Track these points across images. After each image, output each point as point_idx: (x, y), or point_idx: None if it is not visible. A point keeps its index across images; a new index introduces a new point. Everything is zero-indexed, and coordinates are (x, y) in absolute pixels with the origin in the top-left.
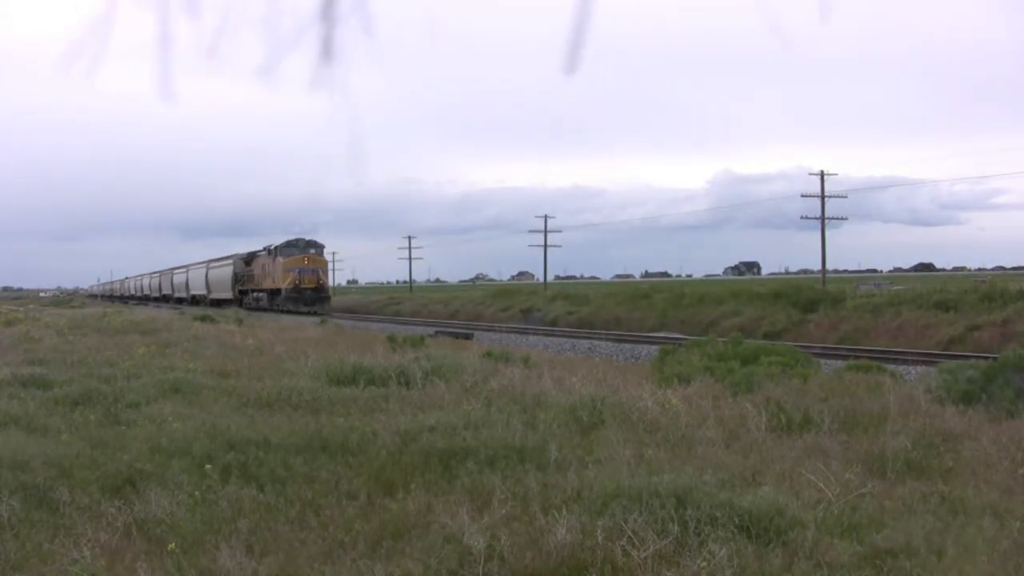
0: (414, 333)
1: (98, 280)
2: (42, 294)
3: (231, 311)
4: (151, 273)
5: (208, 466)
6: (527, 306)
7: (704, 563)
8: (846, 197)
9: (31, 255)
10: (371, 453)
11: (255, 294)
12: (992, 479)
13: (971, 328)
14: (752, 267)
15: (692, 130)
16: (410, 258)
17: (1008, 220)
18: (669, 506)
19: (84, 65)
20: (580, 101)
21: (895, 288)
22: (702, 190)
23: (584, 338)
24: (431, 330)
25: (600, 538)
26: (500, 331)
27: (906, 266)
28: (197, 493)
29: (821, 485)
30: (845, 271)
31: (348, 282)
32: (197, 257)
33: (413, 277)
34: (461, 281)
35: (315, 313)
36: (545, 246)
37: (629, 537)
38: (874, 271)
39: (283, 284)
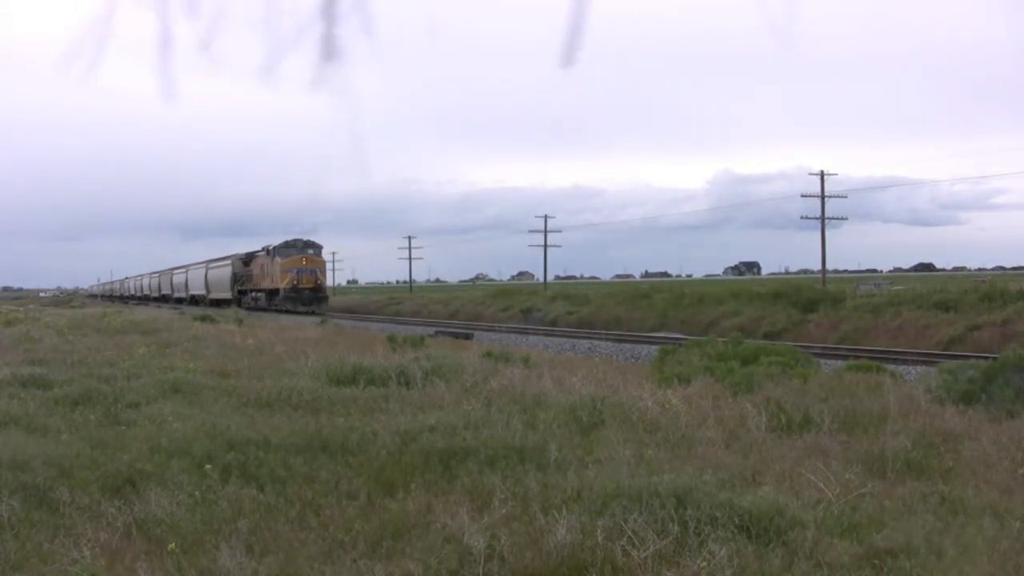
0: (414, 333)
1: (98, 280)
2: (42, 294)
3: (231, 311)
4: (151, 273)
5: (208, 466)
6: (527, 306)
7: (704, 563)
8: (846, 197)
9: (31, 255)
10: (371, 453)
11: (254, 294)
12: (992, 479)
13: (971, 328)
14: (752, 267)
15: (692, 130)
16: (410, 258)
17: (1008, 220)
18: (669, 506)
19: (84, 65)
20: (580, 101)
21: (895, 288)
22: (702, 190)
23: (584, 338)
24: (431, 330)
25: (600, 538)
26: (500, 331)
27: (906, 266)
28: (197, 493)
29: (821, 485)
30: (845, 271)
31: (348, 282)
32: (197, 257)
33: (413, 277)
34: (461, 281)
35: (313, 313)
36: (545, 246)
37: (629, 537)
38: (874, 271)
39: (281, 284)
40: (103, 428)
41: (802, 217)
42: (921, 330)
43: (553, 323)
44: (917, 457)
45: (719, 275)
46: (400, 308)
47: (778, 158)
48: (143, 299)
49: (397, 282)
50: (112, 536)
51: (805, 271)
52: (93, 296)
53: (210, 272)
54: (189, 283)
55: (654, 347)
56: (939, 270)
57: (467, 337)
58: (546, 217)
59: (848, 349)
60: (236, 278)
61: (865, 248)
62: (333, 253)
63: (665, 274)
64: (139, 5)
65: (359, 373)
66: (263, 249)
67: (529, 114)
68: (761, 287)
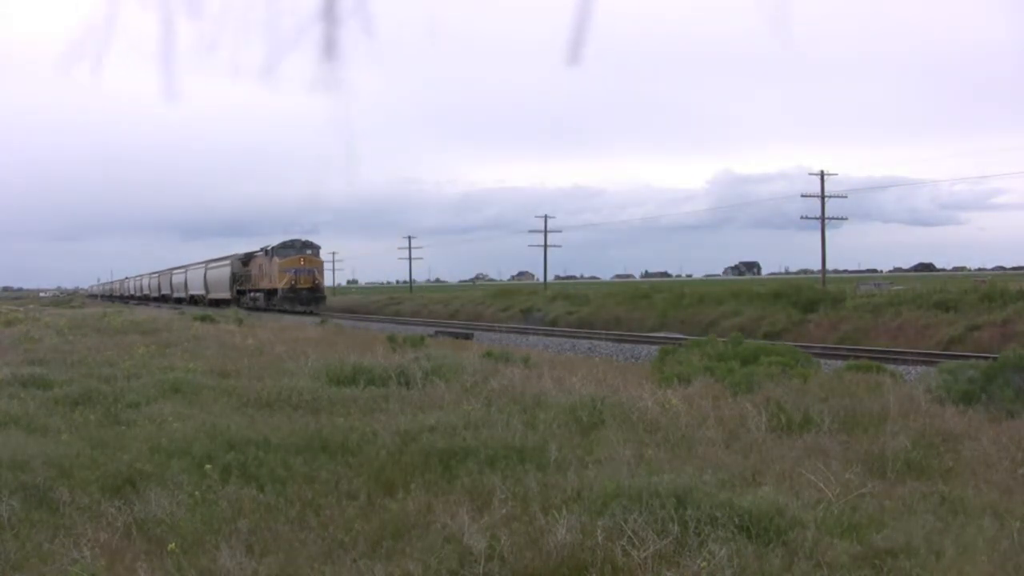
0: (414, 333)
1: (98, 280)
2: (42, 294)
3: (231, 311)
4: (150, 273)
5: (208, 466)
6: (527, 306)
7: (704, 563)
8: (846, 197)
9: (31, 255)
10: (371, 453)
11: (252, 294)
12: (992, 479)
13: (971, 328)
14: (752, 267)
15: (692, 130)
16: (410, 258)
17: (1008, 220)
18: (669, 506)
19: (85, 65)
20: (580, 101)
21: (895, 288)
22: (702, 190)
23: (584, 338)
24: (431, 330)
25: (600, 538)
26: (500, 331)
27: (906, 266)
28: (197, 493)
29: (821, 485)
30: (845, 271)
31: (348, 282)
32: (197, 257)
33: (413, 277)
34: (461, 281)
35: (311, 312)
36: (545, 246)
37: (629, 537)
38: (874, 271)
39: (280, 284)
40: (103, 428)
41: (802, 217)
42: (921, 330)
43: (553, 323)
44: (917, 457)
45: (719, 275)
46: (400, 308)
47: (778, 158)
48: (143, 299)
49: (397, 282)
50: (112, 536)
51: (805, 271)
52: (93, 296)
53: (209, 272)
54: (188, 283)
55: (654, 347)
56: (939, 270)
57: (467, 337)
58: (546, 217)
59: (848, 349)
60: (235, 278)
61: (865, 248)
62: (333, 253)
63: (665, 274)
64: (139, 5)
65: (359, 373)
66: (261, 249)
67: (529, 114)
68: (761, 287)
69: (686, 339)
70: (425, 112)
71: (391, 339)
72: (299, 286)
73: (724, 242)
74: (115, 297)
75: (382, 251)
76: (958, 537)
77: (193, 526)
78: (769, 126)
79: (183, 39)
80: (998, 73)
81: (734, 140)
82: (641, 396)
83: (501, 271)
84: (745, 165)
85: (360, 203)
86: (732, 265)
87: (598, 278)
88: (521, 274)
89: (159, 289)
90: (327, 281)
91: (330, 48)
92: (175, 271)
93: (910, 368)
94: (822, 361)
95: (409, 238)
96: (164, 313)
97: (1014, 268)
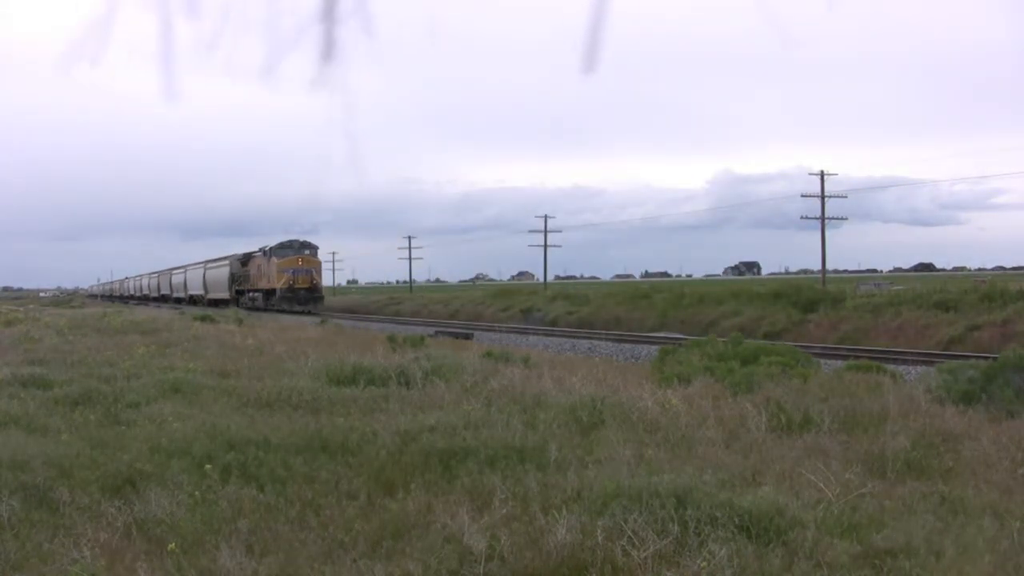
0: (414, 333)
1: (98, 280)
2: (42, 294)
3: (231, 311)
4: (150, 273)
5: (208, 466)
6: (527, 306)
7: (704, 563)
8: (846, 197)
9: (31, 255)
10: (371, 453)
11: (251, 294)
12: (992, 479)
13: (971, 328)
14: (752, 267)
15: (692, 130)
16: (410, 258)
17: (1008, 220)
18: (669, 506)
19: (85, 65)
20: (580, 101)
21: (895, 288)
22: (702, 190)
23: (584, 338)
24: (431, 330)
25: (600, 538)
26: (500, 331)
27: (906, 266)
28: (197, 493)
29: (821, 485)
30: (845, 271)
31: (348, 282)
32: (197, 257)
33: (413, 277)
34: (461, 281)
35: (309, 312)
36: (545, 246)
37: (629, 537)
38: (874, 271)
39: (278, 284)
40: (103, 428)
41: (802, 217)
42: (921, 330)
43: (553, 323)
44: (917, 457)
45: (719, 275)
46: (400, 308)
47: (778, 158)
48: (143, 299)
49: (397, 282)
50: (112, 536)
51: (805, 271)
52: (93, 296)
53: (208, 272)
54: (188, 283)
55: (654, 347)
56: (939, 270)
57: (467, 337)
58: (546, 217)
59: (848, 349)
60: (234, 278)
61: (865, 248)
62: (333, 253)
63: (665, 274)
64: (139, 5)
65: (359, 373)
66: (260, 250)
67: (529, 114)
68: (761, 287)
69: (686, 339)
70: (425, 112)
71: (391, 339)
72: (297, 286)
73: (724, 242)
74: (115, 297)
75: (382, 251)
76: (958, 537)
77: (193, 526)
78: (769, 126)
79: (183, 39)
80: (998, 73)
81: (734, 140)
82: (641, 396)
83: (501, 271)
84: (745, 165)
85: (360, 203)
86: (732, 265)
87: (598, 278)
88: (521, 274)
89: (159, 289)
90: (327, 281)
91: (330, 48)
92: (174, 271)
93: (910, 368)
94: (822, 361)
95: (409, 238)
96: (164, 313)
97: (1014, 268)
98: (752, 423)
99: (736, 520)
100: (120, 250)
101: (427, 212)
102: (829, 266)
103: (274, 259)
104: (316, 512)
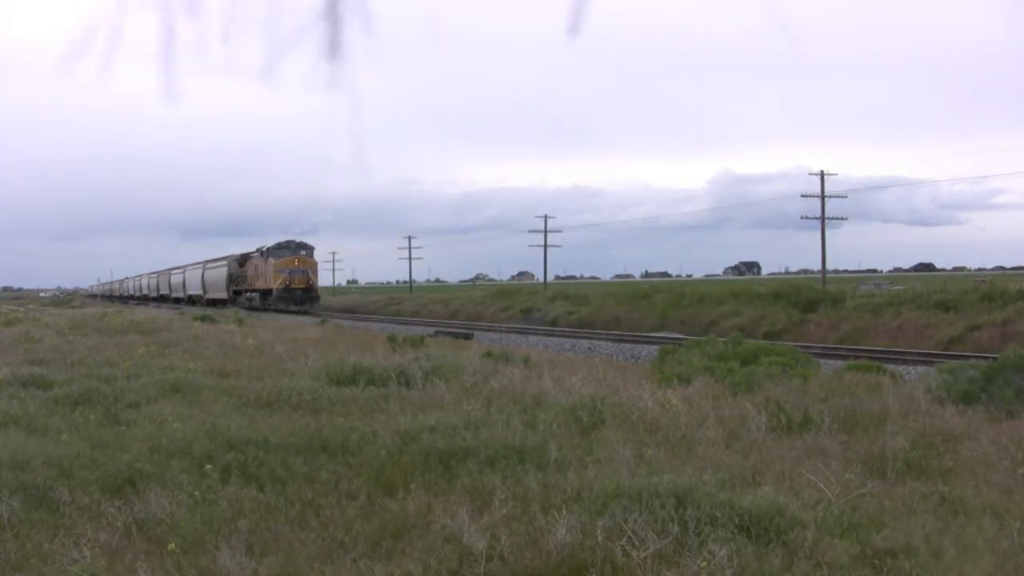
0: (414, 333)
1: (98, 280)
2: (42, 294)
3: (231, 311)
4: (149, 273)
5: (208, 466)
6: (527, 306)
7: (704, 563)
8: (846, 197)
9: (31, 255)
10: (371, 453)
11: (248, 294)
12: (992, 479)
13: (971, 328)
14: (752, 267)
15: (692, 130)
16: (410, 258)
17: (1008, 220)
18: (669, 506)
19: (85, 65)
20: (580, 101)
21: (895, 288)
22: (702, 190)
23: (584, 338)
24: (431, 330)
25: (600, 538)
26: (500, 331)
27: (906, 266)
28: (197, 493)
29: (821, 485)
30: (845, 271)
31: (348, 282)
32: (197, 257)
33: (413, 277)
34: (461, 281)
35: (305, 312)
36: (545, 246)
37: (629, 537)
38: (874, 271)
39: (275, 284)
40: (103, 428)
41: (802, 217)
42: (921, 330)
43: (553, 323)
44: (917, 457)
45: (719, 275)
46: (400, 308)
47: (778, 158)
48: (142, 299)
49: (397, 282)
50: (112, 536)
51: (805, 271)
52: (93, 296)
53: (207, 273)
54: (187, 283)
55: (654, 347)
56: (939, 270)
57: (467, 337)
58: (546, 217)
59: (848, 349)
60: (232, 278)
61: (865, 248)
62: (332, 253)
63: (665, 274)
64: (139, 5)
65: (359, 373)
66: (257, 250)
67: (529, 114)
68: (761, 287)
69: (686, 339)
70: (425, 112)
71: (391, 339)
72: (293, 286)
73: (724, 242)
74: (115, 297)
75: (382, 251)
76: (958, 537)
77: (193, 526)
78: (769, 126)
79: (183, 39)
80: (998, 73)
81: (734, 140)
82: (641, 396)
83: (501, 271)
84: (745, 165)
85: (360, 203)
86: (732, 265)
87: (598, 278)
88: (521, 274)
89: (158, 289)
90: (328, 281)
91: (334, 49)
92: (174, 271)
93: (910, 368)
94: (822, 361)
95: (409, 238)
96: (163, 313)
97: (1014, 268)
98: (752, 423)
99: (736, 520)
100: (120, 250)
101: (427, 212)
102: (829, 266)
103: (271, 260)
104: (316, 512)
